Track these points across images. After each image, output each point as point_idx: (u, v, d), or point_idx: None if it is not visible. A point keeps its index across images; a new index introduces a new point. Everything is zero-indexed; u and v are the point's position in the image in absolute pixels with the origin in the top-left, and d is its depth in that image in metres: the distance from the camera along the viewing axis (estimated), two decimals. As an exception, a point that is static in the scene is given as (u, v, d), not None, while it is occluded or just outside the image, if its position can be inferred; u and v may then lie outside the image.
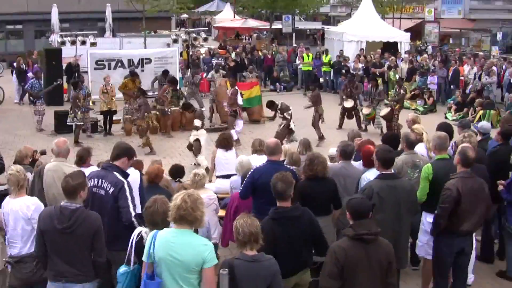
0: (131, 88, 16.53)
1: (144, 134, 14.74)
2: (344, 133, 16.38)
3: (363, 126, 17.20)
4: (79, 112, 15.22)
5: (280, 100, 15.30)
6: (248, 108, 18.40)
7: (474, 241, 6.50)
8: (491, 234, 8.25)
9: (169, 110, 16.45)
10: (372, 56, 24.16)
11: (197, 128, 13.14)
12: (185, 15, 64.37)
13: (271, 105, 15.00)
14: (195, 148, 13.03)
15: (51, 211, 5.20)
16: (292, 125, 14.45)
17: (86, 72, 21.00)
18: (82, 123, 15.46)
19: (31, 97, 18.06)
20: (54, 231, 5.07)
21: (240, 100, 15.63)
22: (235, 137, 14.94)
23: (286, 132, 14.38)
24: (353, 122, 17.41)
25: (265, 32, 45.16)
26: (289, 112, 14.47)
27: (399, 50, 25.20)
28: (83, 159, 7.77)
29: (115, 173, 5.81)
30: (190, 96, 18.21)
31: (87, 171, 7.56)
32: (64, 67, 21.41)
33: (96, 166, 8.09)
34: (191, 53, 24.94)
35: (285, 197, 5.35)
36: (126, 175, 5.89)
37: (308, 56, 25.43)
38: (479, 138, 8.43)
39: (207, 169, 12.49)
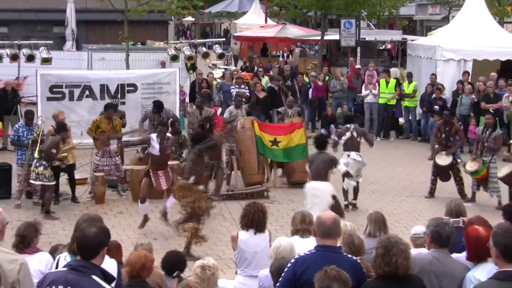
0: (107, 130, 16.87)
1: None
2: (437, 205, 16.49)
3: (469, 194, 17.15)
4: (48, 168, 15.63)
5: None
6: (286, 164, 18.62)
7: None
8: None
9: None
10: (482, 83, 24.18)
11: None
12: (189, 18, 65.86)
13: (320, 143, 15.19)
14: None
15: None
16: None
17: (34, 103, 21.36)
18: (52, 183, 15.77)
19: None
20: None
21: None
22: None
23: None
24: (452, 186, 17.40)
25: (314, 46, 45.70)
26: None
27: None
28: (26, 241, 7.86)
29: (94, 277, 5.78)
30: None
31: (33, 259, 7.63)
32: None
33: (47, 253, 8.16)
34: (198, 77, 25.27)
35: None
36: (110, 279, 5.92)
37: (388, 83, 25.60)
38: None
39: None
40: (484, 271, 6.50)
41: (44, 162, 15.54)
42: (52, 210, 15.78)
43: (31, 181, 15.78)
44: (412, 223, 14.48)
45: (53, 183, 15.77)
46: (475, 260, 6.89)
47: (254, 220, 9.36)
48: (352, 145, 16.31)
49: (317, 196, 13.96)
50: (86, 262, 5.85)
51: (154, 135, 14.87)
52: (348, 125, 16.74)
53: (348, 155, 16.14)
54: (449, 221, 7.60)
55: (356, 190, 16.55)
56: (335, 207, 13.80)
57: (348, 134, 16.41)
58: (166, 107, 19.38)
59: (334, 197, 14.20)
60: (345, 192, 16.29)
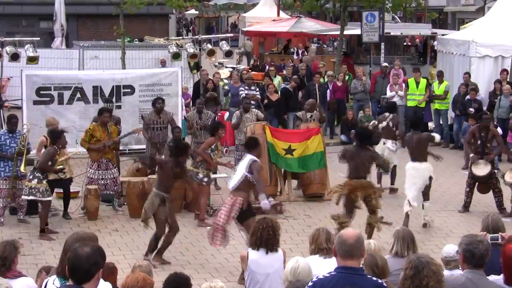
0: (101, 138, 16.81)
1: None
2: (472, 220, 16.47)
3: (508, 207, 17.11)
4: (43, 181, 15.53)
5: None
6: (302, 175, 18.63)
7: None
8: None
9: (204, 178, 16.69)
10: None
11: None
12: (192, 12, 65.95)
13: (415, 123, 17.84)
14: None
15: None
16: None
17: (19, 107, 21.42)
18: (48, 198, 15.69)
19: None
20: None
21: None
22: None
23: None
24: (489, 199, 17.38)
25: (332, 42, 45.64)
26: None
27: None
28: (7, 262, 7.90)
29: None
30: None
31: (15, 285, 7.67)
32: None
33: (31, 278, 8.18)
34: (202, 77, 25.25)
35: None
36: None
37: (418, 83, 25.53)
38: None
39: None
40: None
41: (38, 174, 15.46)
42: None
43: (24, 197, 15.72)
44: (444, 240, 14.50)
45: (49, 198, 15.70)
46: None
47: (263, 238, 9.38)
48: (387, 134, 18.61)
49: (415, 177, 16.11)
50: (78, 287, 5.86)
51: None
52: (387, 114, 19.14)
53: (384, 143, 18.37)
54: (484, 238, 7.56)
55: (393, 174, 18.92)
56: (427, 188, 16.25)
57: (384, 123, 18.76)
58: (167, 110, 19.28)
59: (430, 178, 16.27)
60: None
